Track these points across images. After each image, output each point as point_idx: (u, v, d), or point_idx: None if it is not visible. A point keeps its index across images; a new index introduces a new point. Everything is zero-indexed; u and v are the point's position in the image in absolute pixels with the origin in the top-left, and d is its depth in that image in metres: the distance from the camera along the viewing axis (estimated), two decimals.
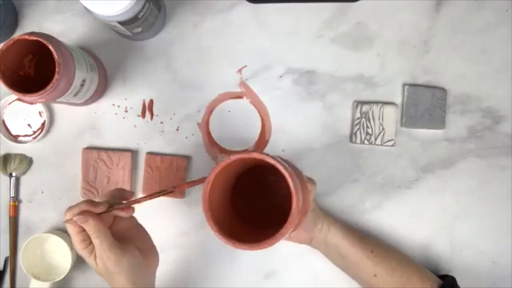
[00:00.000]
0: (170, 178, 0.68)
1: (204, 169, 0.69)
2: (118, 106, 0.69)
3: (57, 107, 0.69)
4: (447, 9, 0.68)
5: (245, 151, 0.52)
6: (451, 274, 0.67)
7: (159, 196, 0.54)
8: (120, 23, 0.58)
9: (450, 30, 0.68)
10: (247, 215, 0.54)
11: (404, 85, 0.68)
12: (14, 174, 0.68)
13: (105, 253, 0.50)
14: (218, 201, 0.49)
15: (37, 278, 0.65)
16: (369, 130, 0.68)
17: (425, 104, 0.68)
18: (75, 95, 0.59)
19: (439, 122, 0.68)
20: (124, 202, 0.54)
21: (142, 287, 0.53)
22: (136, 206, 0.69)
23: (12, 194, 0.68)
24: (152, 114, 0.69)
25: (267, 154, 0.44)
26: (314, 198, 0.59)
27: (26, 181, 0.69)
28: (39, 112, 0.68)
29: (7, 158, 0.68)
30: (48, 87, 0.52)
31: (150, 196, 0.54)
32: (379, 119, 0.68)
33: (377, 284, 0.61)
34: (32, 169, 0.69)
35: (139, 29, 0.62)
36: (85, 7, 0.55)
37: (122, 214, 0.53)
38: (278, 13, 0.68)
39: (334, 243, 0.62)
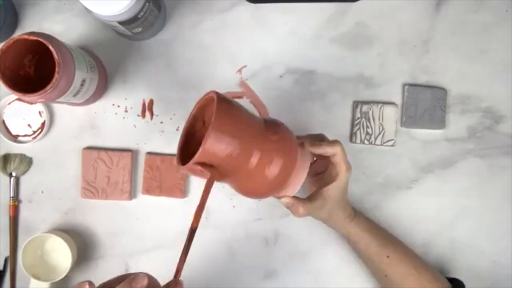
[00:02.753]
0: (170, 178, 0.68)
1: None
2: (118, 106, 0.69)
3: (57, 107, 0.69)
4: (447, 9, 0.68)
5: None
6: (451, 274, 0.67)
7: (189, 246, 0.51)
8: (120, 23, 0.58)
9: (450, 30, 0.68)
10: None
11: (404, 85, 0.68)
12: (14, 174, 0.68)
13: None
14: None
15: (37, 278, 0.65)
16: (369, 130, 0.68)
17: (425, 104, 0.68)
18: (75, 95, 0.59)
19: (439, 122, 0.68)
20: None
21: None
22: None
23: (12, 194, 0.68)
24: (152, 114, 0.69)
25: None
26: (346, 188, 0.58)
27: (26, 181, 0.69)
28: (39, 112, 0.68)
29: (7, 158, 0.68)
30: (48, 87, 0.52)
31: (185, 253, 0.51)
32: (379, 119, 0.68)
33: (385, 284, 0.62)
34: (32, 169, 0.69)
35: (139, 29, 0.62)
36: (85, 7, 0.55)
37: None
38: (278, 13, 0.68)
39: (351, 238, 0.62)
